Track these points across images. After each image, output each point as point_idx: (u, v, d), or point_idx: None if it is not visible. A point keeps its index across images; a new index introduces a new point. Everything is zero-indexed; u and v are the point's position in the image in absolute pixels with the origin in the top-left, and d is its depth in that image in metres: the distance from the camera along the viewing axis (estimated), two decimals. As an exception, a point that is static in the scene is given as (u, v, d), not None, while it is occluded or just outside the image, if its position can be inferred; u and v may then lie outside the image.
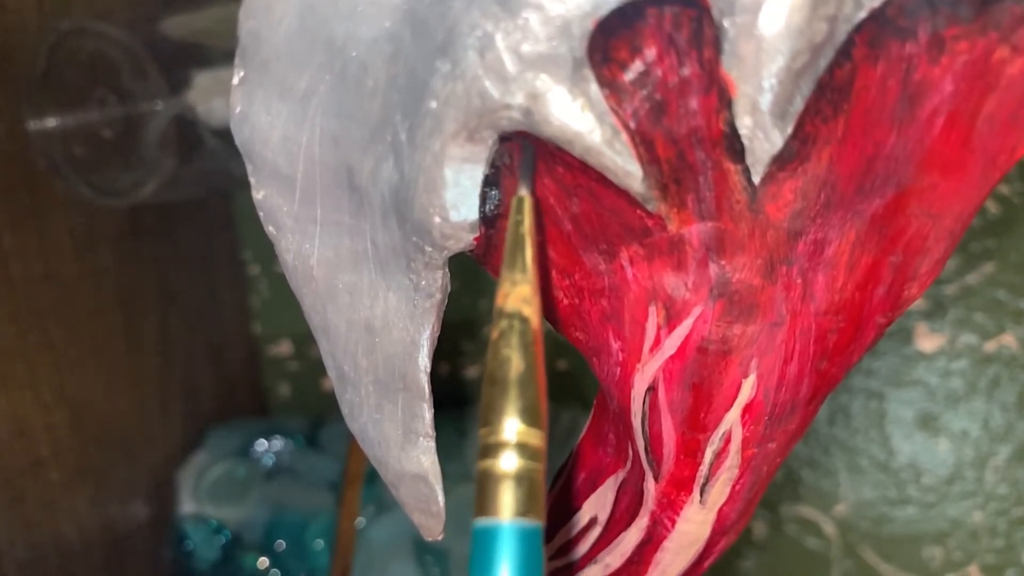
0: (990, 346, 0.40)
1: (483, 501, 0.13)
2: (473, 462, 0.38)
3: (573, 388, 0.43)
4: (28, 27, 0.32)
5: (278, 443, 0.41)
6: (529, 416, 0.13)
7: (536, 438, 0.13)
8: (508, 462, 0.13)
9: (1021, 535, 0.40)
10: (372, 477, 0.38)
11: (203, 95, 0.33)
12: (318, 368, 0.47)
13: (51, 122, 0.33)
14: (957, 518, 0.41)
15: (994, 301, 0.40)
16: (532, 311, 0.14)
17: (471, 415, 0.40)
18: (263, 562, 0.39)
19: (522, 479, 0.13)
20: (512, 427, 0.13)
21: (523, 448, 0.13)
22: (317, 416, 0.43)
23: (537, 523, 0.13)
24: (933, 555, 0.41)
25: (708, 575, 0.45)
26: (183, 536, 0.40)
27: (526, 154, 0.14)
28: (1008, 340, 0.40)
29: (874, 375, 0.41)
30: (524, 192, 0.14)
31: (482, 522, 0.13)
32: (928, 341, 0.41)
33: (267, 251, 0.45)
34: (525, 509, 0.13)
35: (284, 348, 0.48)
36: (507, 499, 0.13)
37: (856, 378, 0.42)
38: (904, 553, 0.42)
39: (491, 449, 0.13)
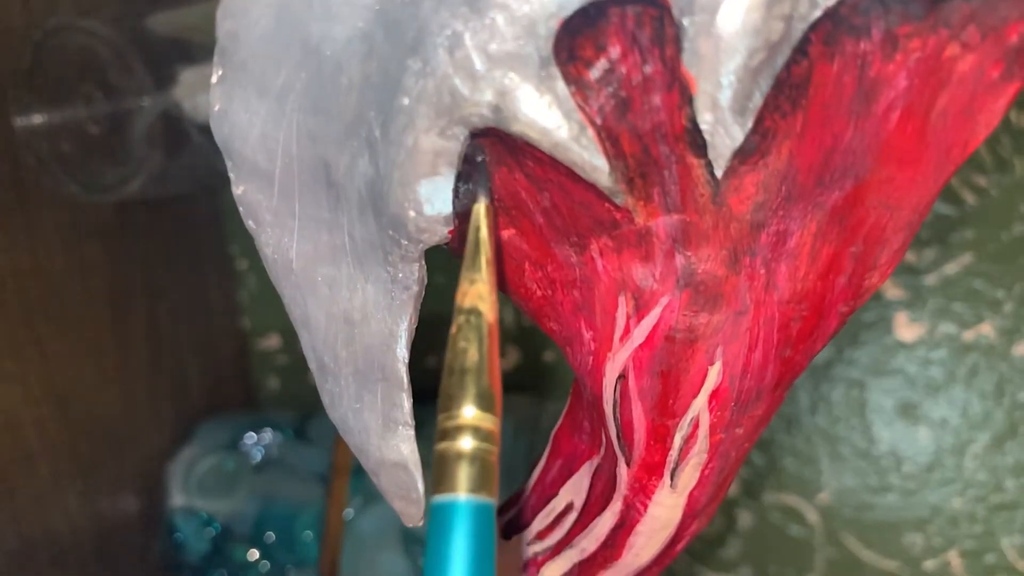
0: (968, 335, 0.41)
1: (440, 479, 0.14)
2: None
3: (558, 379, 0.44)
4: (14, 24, 0.32)
5: (267, 436, 0.42)
6: (483, 402, 0.14)
7: (490, 422, 0.14)
8: (464, 444, 0.14)
9: (1000, 521, 0.41)
10: (360, 469, 0.39)
11: (189, 91, 0.33)
12: (307, 362, 0.47)
13: (37, 118, 0.33)
14: (937, 505, 0.42)
15: (972, 291, 0.40)
16: (487, 307, 0.15)
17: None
18: (253, 554, 0.40)
19: (475, 459, 0.14)
20: (468, 412, 0.14)
21: (477, 431, 0.14)
22: (306, 409, 0.43)
23: (490, 500, 0.14)
24: (914, 541, 0.42)
25: (694, 564, 0.46)
26: (173, 528, 0.40)
27: (480, 164, 0.15)
28: (986, 329, 0.40)
29: (855, 364, 0.42)
30: (482, 200, 0.16)
31: (439, 498, 0.14)
32: (908, 331, 0.41)
33: (255, 246, 0.45)
34: (478, 486, 0.14)
35: (273, 342, 0.48)
36: (463, 477, 0.14)
37: (837, 367, 0.42)
38: (885, 539, 0.42)
39: (448, 433, 0.14)
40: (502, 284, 0.18)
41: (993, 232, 0.40)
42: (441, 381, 0.14)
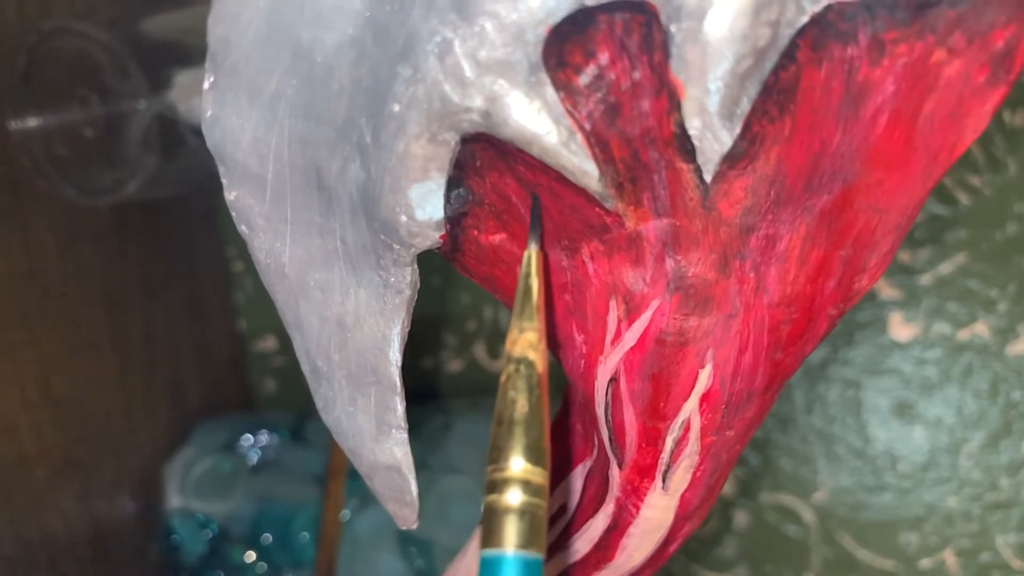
0: (963, 335, 0.41)
1: (489, 533, 0.14)
2: (456, 454, 0.38)
3: (551, 382, 0.44)
4: (9, 27, 0.32)
5: (264, 437, 0.42)
6: (533, 455, 0.14)
7: (539, 476, 0.14)
8: (513, 497, 0.14)
9: (995, 519, 0.41)
10: (356, 470, 0.39)
11: (184, 94, 0.33)
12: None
13: (33, 122, 0.33)
14: (932, 504, 0.42)
15: (966, 291, 0.40)
16: (537, 356, 0.15)
17: (454, 408, 0.40)
18: (250, 555, 0.40)
19: (525, 514, 0.14)
20: (517, 465, 0.14)
21: (527, 485, 0.14)
22: (302, 410, 0.43)
23: (538, 555, 0.14)
24: (909, 540, 0.42)
25: (690, 563, 0.46)
26: (170, 530, 0.40)
27: (533, 210, 0.15)
28: (980, 329, 0.40)
29: (850, 364, 0.42)
30: (532, 247, 0.15)
31: (488, 553, 0.14)
32: (902, 330, 0.41)
33: (251, 248, 0.45)
34: (527, 542, 0.14)
35: (269, 343, 0.48)
36: (511, 532, 0.14)
37: (832, 367, 0.42)
38: (881, 539, 0.42)
39: (497, 485, 0.14)
40: (496, 289, 0.18)
41: (987, 232, 0.40)
42: (490, 431, 0.14)
